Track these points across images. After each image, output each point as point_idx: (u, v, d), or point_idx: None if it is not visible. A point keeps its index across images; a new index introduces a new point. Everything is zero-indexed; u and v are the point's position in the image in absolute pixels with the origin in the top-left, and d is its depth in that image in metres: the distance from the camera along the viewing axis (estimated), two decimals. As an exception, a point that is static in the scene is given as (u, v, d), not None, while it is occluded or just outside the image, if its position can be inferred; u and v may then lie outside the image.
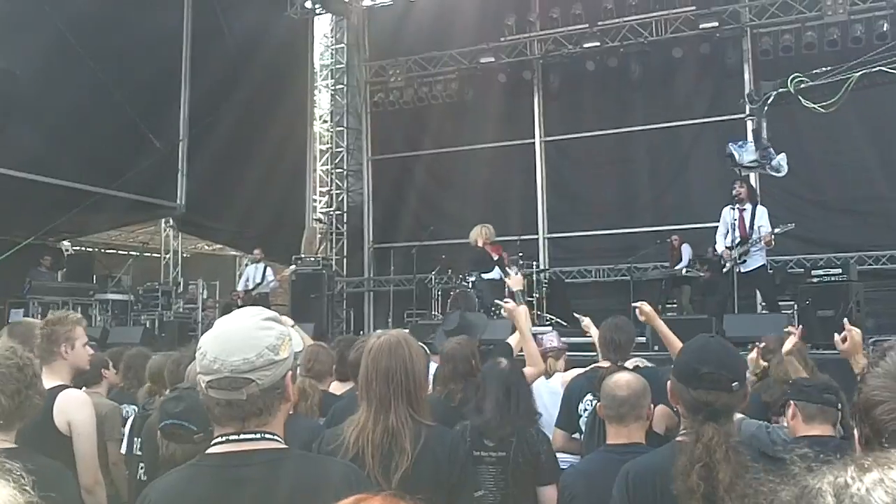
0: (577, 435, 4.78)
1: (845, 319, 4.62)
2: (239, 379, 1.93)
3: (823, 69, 6.49)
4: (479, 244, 12.14)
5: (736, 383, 2.56)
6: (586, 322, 6.15)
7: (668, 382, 2.77)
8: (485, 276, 12.12)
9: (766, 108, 6.63)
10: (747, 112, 6.78)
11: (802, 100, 6.46)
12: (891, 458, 0.89)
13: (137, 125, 13.95)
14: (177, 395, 2.81)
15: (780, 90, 6.57)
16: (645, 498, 2.68)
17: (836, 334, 4.18)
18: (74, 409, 3.89)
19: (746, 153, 6.69)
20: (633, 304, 5.19)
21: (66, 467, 3.51)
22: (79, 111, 13.17)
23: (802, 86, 6.46)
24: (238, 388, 1.94)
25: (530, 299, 12.52)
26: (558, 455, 4.34)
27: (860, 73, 6.38)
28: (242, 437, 1.98)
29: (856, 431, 1.39)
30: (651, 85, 15.70)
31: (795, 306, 11.05)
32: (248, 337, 1.98)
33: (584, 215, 16.30)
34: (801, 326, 4.99)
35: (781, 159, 6.76)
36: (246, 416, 1.97)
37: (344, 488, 1.79)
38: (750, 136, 6.90)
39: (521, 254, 14.04)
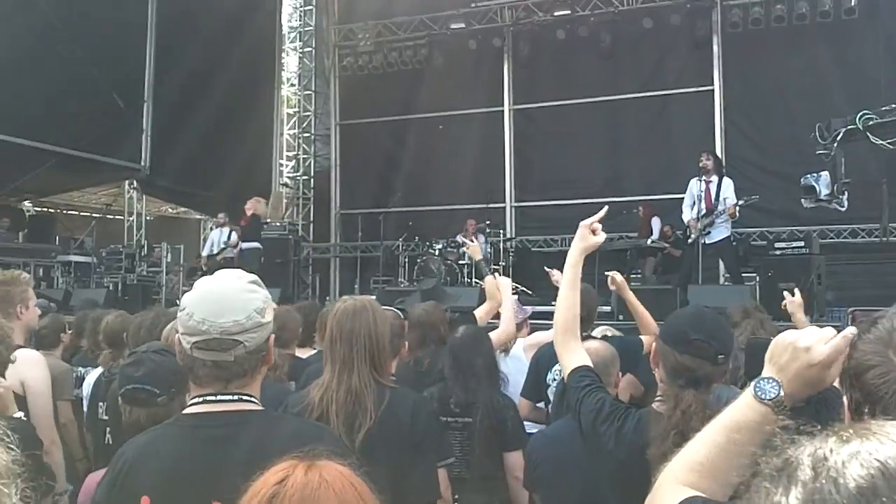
0: (541, 404, 4.82)
1: (785, 291, 4.94)
2: (228, 340, 1.96)
3: (892, 106, 6.56)
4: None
5: (722, 356, 2.57)
6: (556, 276, 6.16)
7: (654, 344, 2.78)
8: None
9: (835, 144, 6.66)
10: (816, 150, 6.79)
11: (871, 136, 6.51)
12: (871, 429, 0.90)
13: (102, 85, 13.69)
14: (136, 360, 2.78)
15: (849, 126, 6.60)
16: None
17: (786, 293, 4.72)
18: (27, 368, 3.88)
19: (823, 186, 6.68)
20: (606, 273, 5.22)
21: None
22: (43, 70, 12.85)
23: (871, 123, 6.50)
24: (227, 350, 1.97)
25: (496, 267, 12.58)
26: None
27: None
28: (220, 398, 2.01)
29: (845, 398, 1.43)
30: (620, 55, 15.69)
31: (758, 278, 11.22)
32: (236, 299, 2.01)
33: (551, 184, 16.28)
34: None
35: (845, 197, 6.83)
36: (230, 378, 2.01)
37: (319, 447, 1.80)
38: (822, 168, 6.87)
39: (488, 221, 14.09)
